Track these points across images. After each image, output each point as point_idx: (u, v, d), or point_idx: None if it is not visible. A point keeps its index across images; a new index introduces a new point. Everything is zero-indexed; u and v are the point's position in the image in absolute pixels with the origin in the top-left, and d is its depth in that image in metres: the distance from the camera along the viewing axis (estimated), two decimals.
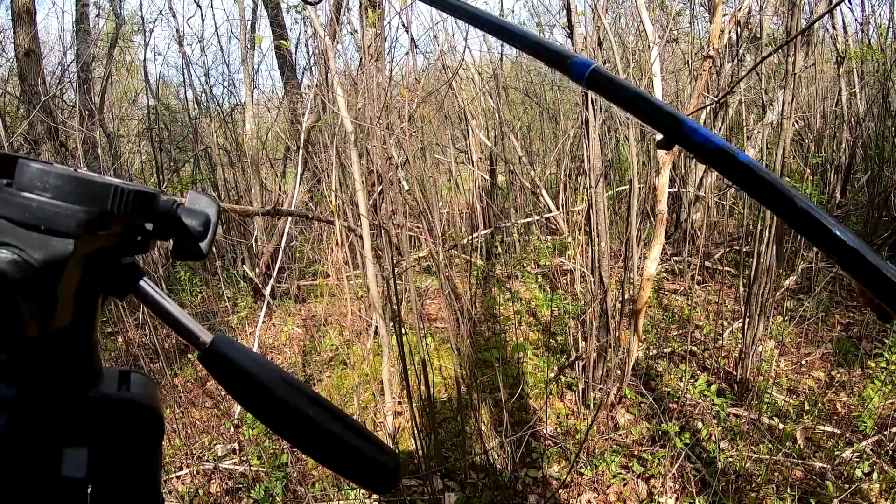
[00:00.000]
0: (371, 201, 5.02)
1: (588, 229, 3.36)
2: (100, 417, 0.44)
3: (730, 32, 5.38)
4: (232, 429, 3.88)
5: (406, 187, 4.67)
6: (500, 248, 6.47)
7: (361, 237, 4.09)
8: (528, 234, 6.71)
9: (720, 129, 6.43)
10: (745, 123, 6.66)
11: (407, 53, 6.19)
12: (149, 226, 0.50)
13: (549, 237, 6.61)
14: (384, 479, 0.56)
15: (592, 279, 3.31)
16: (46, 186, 0.39)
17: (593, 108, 3.15)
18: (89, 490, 0.42)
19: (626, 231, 3.35)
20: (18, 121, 7.18)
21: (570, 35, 3.42)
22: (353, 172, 2.90)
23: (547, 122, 8.37)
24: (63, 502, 0.41)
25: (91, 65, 8.72)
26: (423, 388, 3.22)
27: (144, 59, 8.86)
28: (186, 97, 8.89)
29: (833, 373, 3.90)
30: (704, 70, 3.05)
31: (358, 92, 3.28)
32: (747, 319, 3.63)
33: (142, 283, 0.50)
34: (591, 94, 3.12)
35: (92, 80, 8.77)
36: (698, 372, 3.99)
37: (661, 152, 3.14)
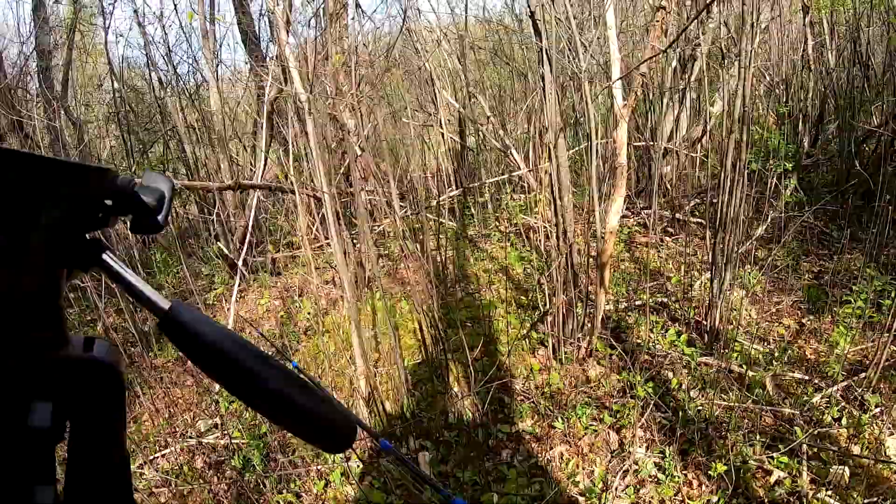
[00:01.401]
0: (341, 169, 5.02)
1: (551, 186, 3.38)
2: (64, 375, 0.46)
3: None
4: (213, 405, 3.90)
5: (363, 153, 4.65)
6: (473, 209, 6.48)
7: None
8: (500, 193, 6.72)
9: (688, 80, 6.43)
10: (714, 76, 6.67)
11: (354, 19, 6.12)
12: (108, 202, 0.53)
13: (520, 195, 6.63)
14: (336, 440, 0.59)
15: (556, 234, 3.34)
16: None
17: (549, 65, 3.14)
18: (62, 445, 0.46)
19: (588, 184, 3.37)
20: None
21: None
22: (310, 141, 2.88)
23: (517, 80, 8.33)
24: (30, 450, 0.43)
25: (52, 52, 8.54)
26: (394, 350, 3.26)
27: (106, 43, 8.65)
28: (151, 77, 8.72)
29: (803, 320, 3.96)
30: (658, 21, 3.04)
31: (310, 61, 3.24)
32: (714, 269, 3.67)
33: (105, 256, 0.52)
34: (545, 50, 3.12)
35: (54, 68, 8.60)
36: (669, 323, 4.04)
37: (618, 106, 3.15)
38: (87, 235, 0.52)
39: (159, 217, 0.55)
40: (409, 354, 3.88)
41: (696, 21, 6.29)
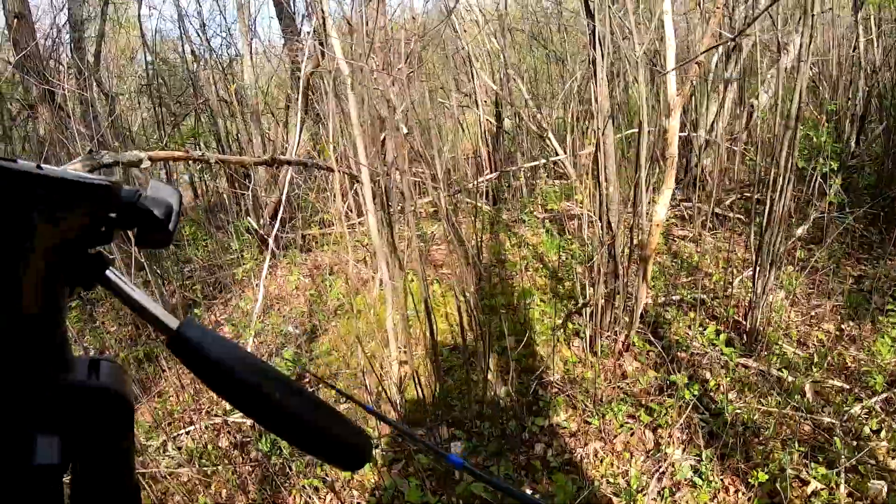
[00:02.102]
0: (375, 148, 4.92)
1: (596, 173, 3.27)
2: (70, 404, 0.44)
3: None
4: None
5: (406, 132, 4.57)
6: (506, 193, 6.38)
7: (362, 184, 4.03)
8: (535, 178, 6.60)
9: (732, 72, 6.24)
10: (758, 67, 6.47)
11: None
12: (112, 215, 0.50)
13: (556, 181, 6.50)
14: (354, 459, 0.59)
15: (601, 224, 3.23)
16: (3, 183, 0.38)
17: (601, 48, 3.02)
18: (67, 478, 0.43)
19: (635, 175, 3.26)
20: (13, 87, 7.09)
21: None
22: (352, 117, 2.80)
23: (553, 64, 8.17)
24: (37, 489, 0.40)
25: (84, 24, 8.54)
26: (428, 335, 3.19)
27: (139, 15, 8.66)
28: (184, 50, 8.71)
29: (843, 326, 3.83)
30: (718, 9, 2.91)
31: (354, 34, 3.16)
32: (758, 268, 3.55)
33: (108, 272, 0.50)
34: (598, 33, 3.00)
35: (86, 40, 8.60)
36: (707, 321, 3.93)
37: (671, 94, 3.02)
38: (88, 250, 0.50)
39: (165, 232, 0.53)
40: (441, 339, 3.81)
41: (746, 8, 6.11)
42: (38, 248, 0.41)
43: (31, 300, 0.42)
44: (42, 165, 0.43)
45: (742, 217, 5.56)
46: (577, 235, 5.03)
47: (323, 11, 3.28)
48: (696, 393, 3.10)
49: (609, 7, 3.10)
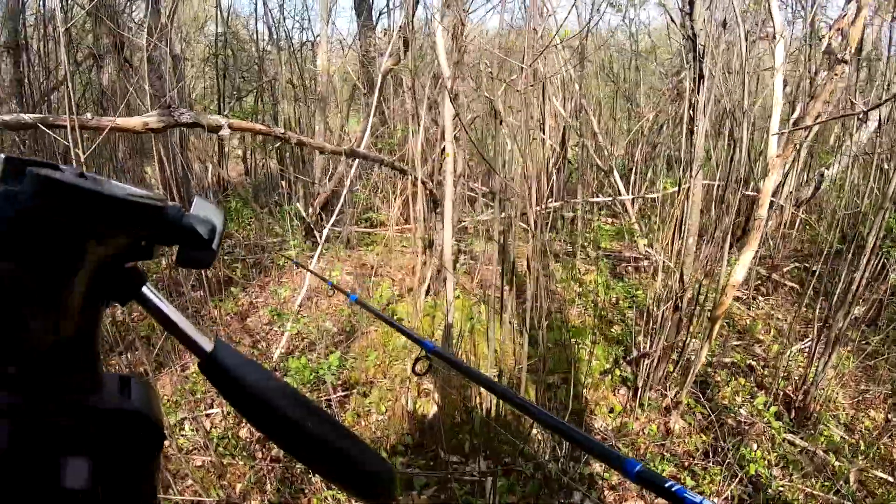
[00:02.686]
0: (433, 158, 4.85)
1: (680, 222, 3.14)
2: (101, 426, 0.42)
3: (830, 39, 5.04)
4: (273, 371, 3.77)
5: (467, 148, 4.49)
6: (558, 223, 6.25)
7: (431, 191, 3.94)
8: (590, 212, 6.46)
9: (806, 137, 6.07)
10: (830, 134, 6.31)
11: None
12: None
13: (611, 219, 6.37)
14: (379, 492, 0.58)
15: (674, 275, 3.10)
16: (51, 197, 0.37)
17: (704, 92, 2.91)
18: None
19: (714, 230, 3.13)
20: (84, 33, 7.10)
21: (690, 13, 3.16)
22: (444, 121, 2.70)
23: (620, 100, 8.05)
24: None
25: None
26: (472, 357, 3.08)
27: None
28: (256, 28, 8.75)
29: (891, 416, 3.67)
30: (837, 75, 2.78)
31: (457, 40, 3.08)
32: (819, 345, 3.41)
33: (144, 288, 0.49)
34: (704, 76, 2.89)
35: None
36: (756, 389, 3.79)
37: (771, 154, 2.89)
38: (126, 264, 0.48)
39: (207, 253, 0.50)
40: (482, 363, 3.67)
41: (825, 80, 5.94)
42: (82, 268, 0.41)
43: (69, 321, 0.41)
44: (85, 173, 0.42)
45: (796, 286, 5.39)
46: (631, 278, 4.90)
47: (409, 11, 3.20)
48: (741, 464, 2.96)
49: (715, 53, 2.99)
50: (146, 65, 6.10)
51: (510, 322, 3.80)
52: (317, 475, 3.02)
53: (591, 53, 8.36)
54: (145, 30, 6.08)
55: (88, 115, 2.94)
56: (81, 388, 0.43)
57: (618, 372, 3.66)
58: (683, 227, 3.03)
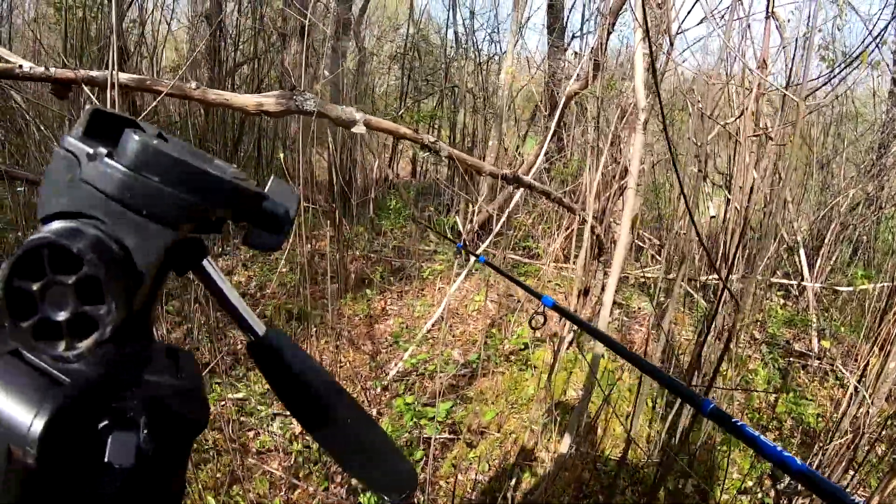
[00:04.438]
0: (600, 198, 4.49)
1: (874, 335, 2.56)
2: (152, 402, 0.39)
3: None
4: (379, 389, 3.55)
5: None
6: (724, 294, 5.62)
7: (598, 236, 3.60)
8: (763, 289, 5.76)
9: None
10: None
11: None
12: None
13: (781, 299, 5.66)
14: (401, 490, 0.61)
15: (864, 403, 2.50)
16: (156, 169, 0.37)
17: None
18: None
19: None
20: (274, 12, 7.38)
21: None
22: (632, 158, 2.36)
23: (810, 167, 7.21)
24: (108, 490, 0.36)
25: None
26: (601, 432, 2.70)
27: None
28: (446, 34, 8.80)
29: None
30: None
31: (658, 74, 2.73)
32: None
33: (205, 262, 0.49)
34: None
35: None
36: None
37: None
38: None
39: (278, 236, 0.48)
40: (604, 445, 3.19)
41: None
42: (168, 244, 0.40)
43: (142, 293, 0.40)
44: (164, 134, 0.42)
45: None
46: (796, 374, 4.24)
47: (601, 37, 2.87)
48: None
49: None
50: (329, 55, 6.22)
51: (653, 401, 3.36)
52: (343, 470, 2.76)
53: (793, 110, 7.60)
54: (332, 18, 6.24)
55: (193, 85, 2.78)
56: (139, 360, 0.41)
57: (759, 495, 3.05)
58: (888, 344, 2.44)
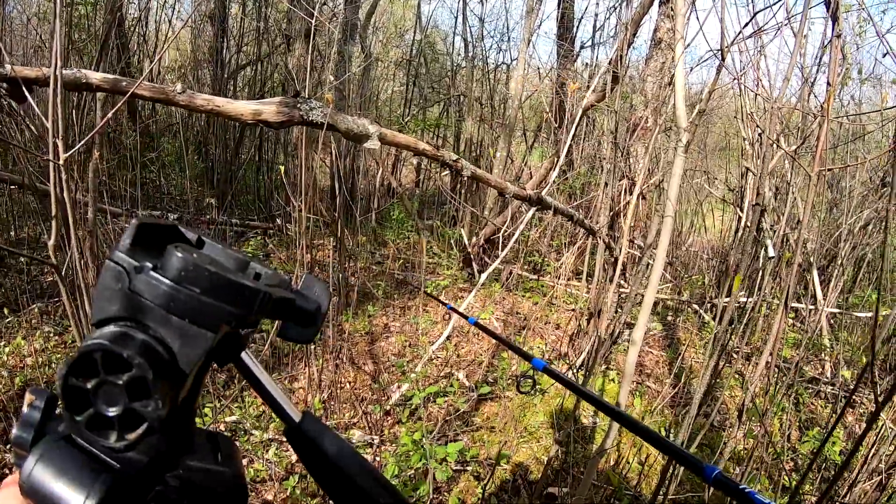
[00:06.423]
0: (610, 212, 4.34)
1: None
2: (192, 486, 0.43)
3: None
4: (381, 414, 3.37)
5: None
6: (734, 314, 5.45)
7: (615, 258, 3.43)
8: (770, 308, 5.60)
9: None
10: None
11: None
12: None
13: (796, 323, 5.50)
14: None
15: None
16: (197, 281, 0.39)
17: None
18: None
19: None
20: (281, 15, 7.31)
21: None
22: (672, 181, 2.20)
23: (821, 184, 7.07)
24: None
25: None
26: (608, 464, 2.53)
27: None
28: (453, 42, 8.70)
29: None
30: None
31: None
32: None
33: (243, 354, 0.50)
34: None
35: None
36: None
37: None
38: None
39: (310, 330, 0.51)
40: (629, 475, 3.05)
41: None
42: (209, 345, 0.41)
43: (185, 389, 0.42)
44: (203, 238, 0.47)
45: None
46: (808, 397, 4.08)
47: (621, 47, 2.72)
48: None
49: None
50: (333, 59, 6.09)
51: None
52: None
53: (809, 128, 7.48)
54: (339, 21, 6.11)
55: (178, 88, 2.41)
56: (182, 448, 0.44)
57: None
58: None
